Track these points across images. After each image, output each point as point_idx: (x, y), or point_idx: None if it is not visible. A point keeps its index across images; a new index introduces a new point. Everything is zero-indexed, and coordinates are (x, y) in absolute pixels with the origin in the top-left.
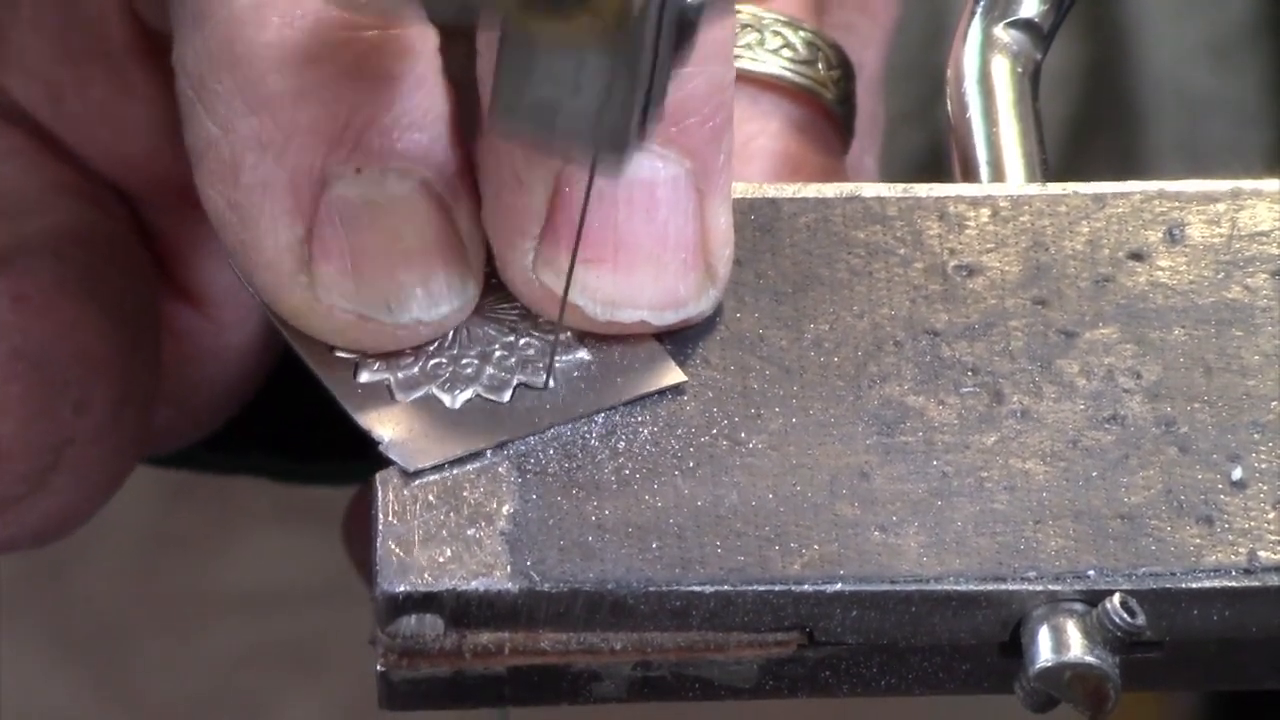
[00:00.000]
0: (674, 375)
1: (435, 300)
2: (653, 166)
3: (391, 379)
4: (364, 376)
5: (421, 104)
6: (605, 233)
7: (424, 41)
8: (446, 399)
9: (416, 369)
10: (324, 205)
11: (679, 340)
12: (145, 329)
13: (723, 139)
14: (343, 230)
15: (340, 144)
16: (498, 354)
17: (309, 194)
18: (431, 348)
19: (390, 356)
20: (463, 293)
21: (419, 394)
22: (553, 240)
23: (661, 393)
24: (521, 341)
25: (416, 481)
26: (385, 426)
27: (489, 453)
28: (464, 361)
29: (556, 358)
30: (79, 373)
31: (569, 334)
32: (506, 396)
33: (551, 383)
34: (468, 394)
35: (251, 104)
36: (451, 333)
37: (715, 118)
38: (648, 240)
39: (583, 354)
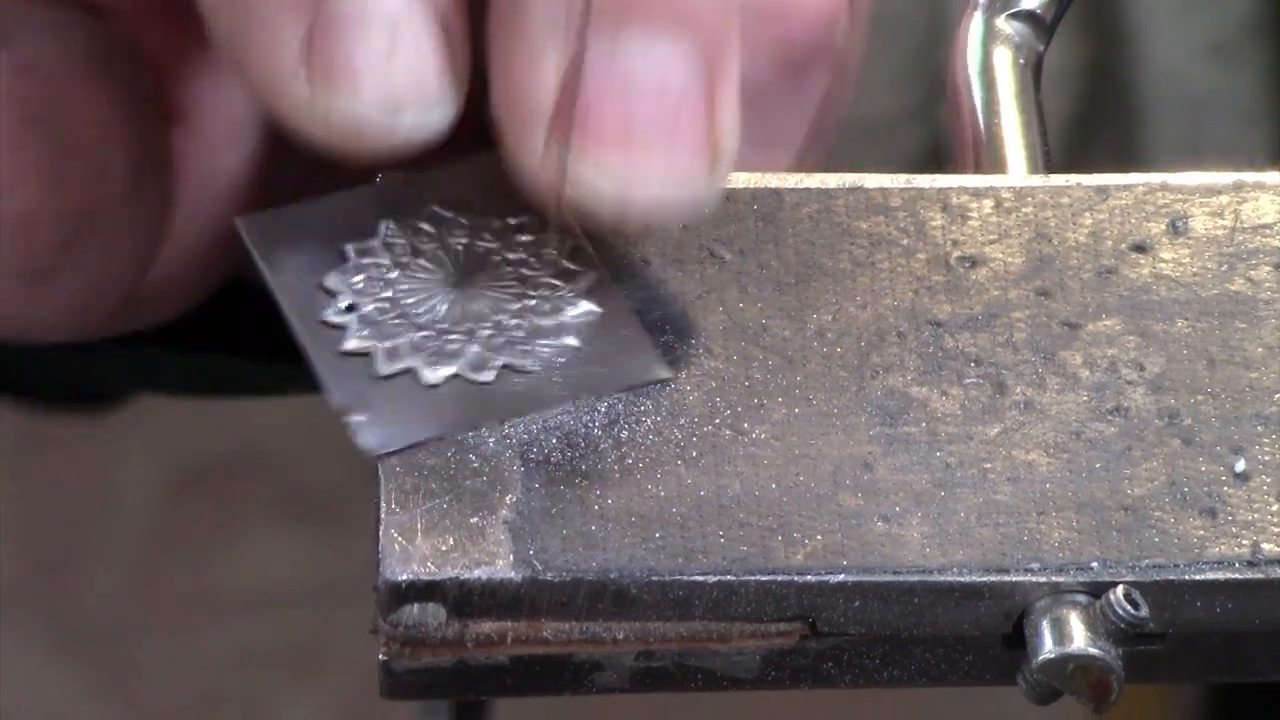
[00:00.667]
0: (661, 371)
1: (428, 105)
2: (664, 55)
3: (378, 348)
4: (350, 344)
5: None
6: (616, 120)
7: None
8: (428, 373)
9: (404, 339)
10: (326, 5)
11: (681, 330)
12: (153, 111)
13: (731, 26)
14: (343, 31)
15: None
16: (486, 332)
17: None
18: (421, 319)
19: (377, 323)
20: (455, 99)
21: (401, 366)
22: (563, 126)
23: (649, 385)
24: (512, 322)
25: (418, 470)
26: (358, 404)
27: (491, 441)
28: (451, 336)
29: (544, 342)
30: (95, 138)
31: (560, 320)
32: (489, 377)
33: (535, 364)
34: (449, 370)
35: None
36: (443, 306)
37: (725, 5)
38: (658, 128)
39: (571, 340)
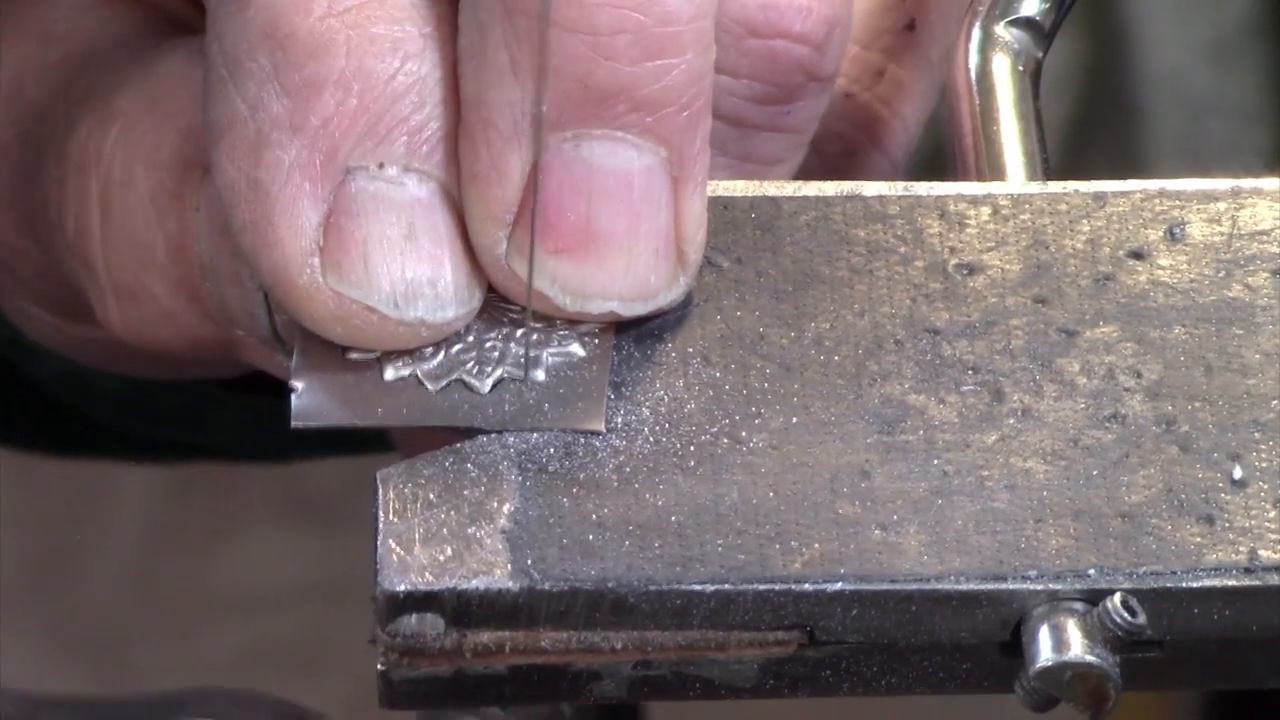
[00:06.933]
0: (595, 423)
1: (442, 302)
2: (628, 156)
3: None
4: None
5: (452, 110)
6: (578, 222)
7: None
8: (390, 369)
9: None
10: (343, 194)
11: (679, 339)
12: None
13: (699, 126)
14: (359, 221)
15: (368, 138)
16: (458, 347)
17: (331, 181)
18: None
19: None
20: (469, 300)
21: (372, 355)
22: (525, 228)
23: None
24: (490, 344)
25: (415, 479)
26: (310, 374)
27: (489, 450)
28: (427, 349)
29: (510, 370)
30: None
31: (541, 353)
32: (437, 386)
33: (488, 386)
34: (408, 370)
35: (287, 85)
36: None
37: (692, 106)
38: (620, 230)
39: (539, 374)
